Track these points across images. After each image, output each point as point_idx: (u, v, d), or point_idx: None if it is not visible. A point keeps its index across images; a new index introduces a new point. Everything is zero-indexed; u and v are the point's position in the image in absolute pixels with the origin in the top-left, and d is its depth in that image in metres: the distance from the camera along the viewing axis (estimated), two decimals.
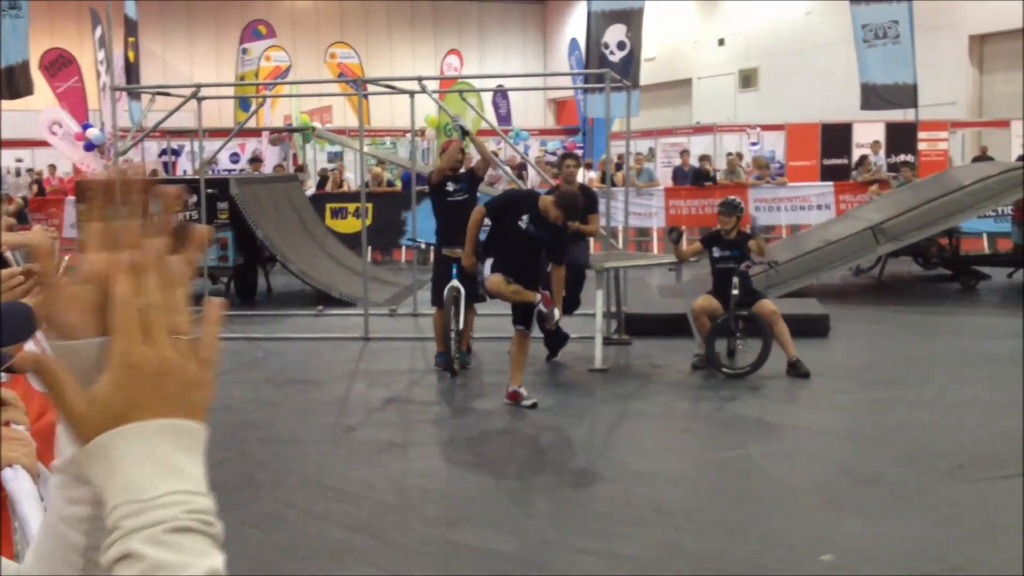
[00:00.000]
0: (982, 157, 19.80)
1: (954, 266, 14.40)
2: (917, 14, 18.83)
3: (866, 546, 4.80)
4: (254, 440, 6.89)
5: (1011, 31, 23.69)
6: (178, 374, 0.77)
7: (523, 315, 7.78)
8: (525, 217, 7.58)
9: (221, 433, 7.10)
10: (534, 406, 7.51)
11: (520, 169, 18.29)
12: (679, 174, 20.33)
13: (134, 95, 19.18)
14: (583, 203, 7.86)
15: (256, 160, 19.67)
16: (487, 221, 7.88)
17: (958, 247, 15.02)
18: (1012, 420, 6.97)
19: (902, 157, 19.19)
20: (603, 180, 12.70)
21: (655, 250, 18.57)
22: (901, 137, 20.44)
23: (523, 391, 7.64)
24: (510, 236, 7.61)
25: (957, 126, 22.80)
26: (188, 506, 0.74)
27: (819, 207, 18.07)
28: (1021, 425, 6.83)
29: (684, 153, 21.02)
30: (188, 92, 12.28)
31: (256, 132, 21.79)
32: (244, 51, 25.02)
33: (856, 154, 20.75)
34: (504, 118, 27.07)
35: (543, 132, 29.57)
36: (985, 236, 17.04)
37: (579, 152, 22.78)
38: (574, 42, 26.39)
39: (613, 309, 10.47)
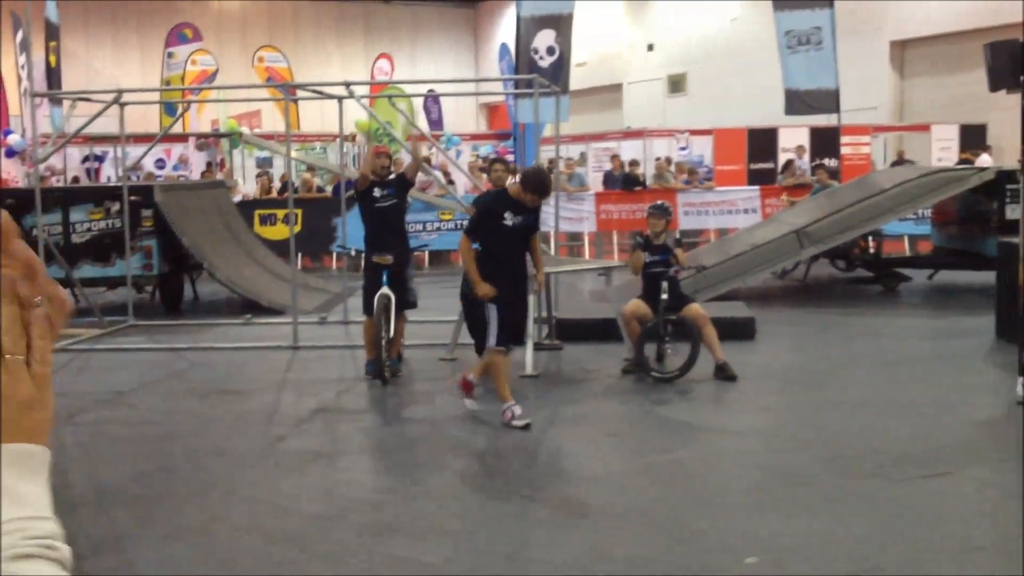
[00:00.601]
0: (900, 161, 20.22)
1: (876, 268, 14.70)
2: (839, 20, 19.22)
3: (791, 546, 4.86)
4: (178, 453, 6.77)
5: (931, 37, 24.27)
6: (9, 396, 0.75)
7: (514, 334, 7.52)
8: (507, 214, 7.34)
9: (143, 446, 6.98)
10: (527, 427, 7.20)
11: (449, 175, 18.25)
12: (610, 179, 20.46)
13: (55, 100, 18.78)
14: (548, 177, 7.65)
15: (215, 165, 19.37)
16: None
17: (880, 249, 15.35)
18: (933, 420, 7.13)
19: (827, 161, 19.52)
20: None
21: (586, 255, 18.67)
22: (825, 141, 20.81)
23: (517, 410, 7.24)
24: (503, 241, 7.33)
25: (879, 130, 23.27)
26: (28, 533, 0.73)
27: (746, 211, 18.31)
28: (942, 424, 7.00)
29: (615, 158, 21.16)
30: (110, 97, 12.04)
31: (183, 137, 21.46)
32: (170, 55, 24.66)
33: (782, 158, 21.08)
34: (436, 123, 27.00)
35: (475, 137, 29.50)
36: (906, 238, 17.44)
37: (511, 157, 22.82)
38: (504, 47, 26.42)
39: (544, 315, 10.50)
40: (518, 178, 7.64)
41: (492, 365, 7.36)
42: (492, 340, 7.28)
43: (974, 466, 6.07)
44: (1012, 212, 11.12)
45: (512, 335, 7.48)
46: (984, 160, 17.97)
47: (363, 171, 9.06)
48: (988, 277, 11.15)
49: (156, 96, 21.55)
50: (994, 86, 15.58)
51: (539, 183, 7.33)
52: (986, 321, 10.32)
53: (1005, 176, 11.93)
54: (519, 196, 7.31)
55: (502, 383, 7.33)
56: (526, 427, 7.07)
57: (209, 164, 21.30)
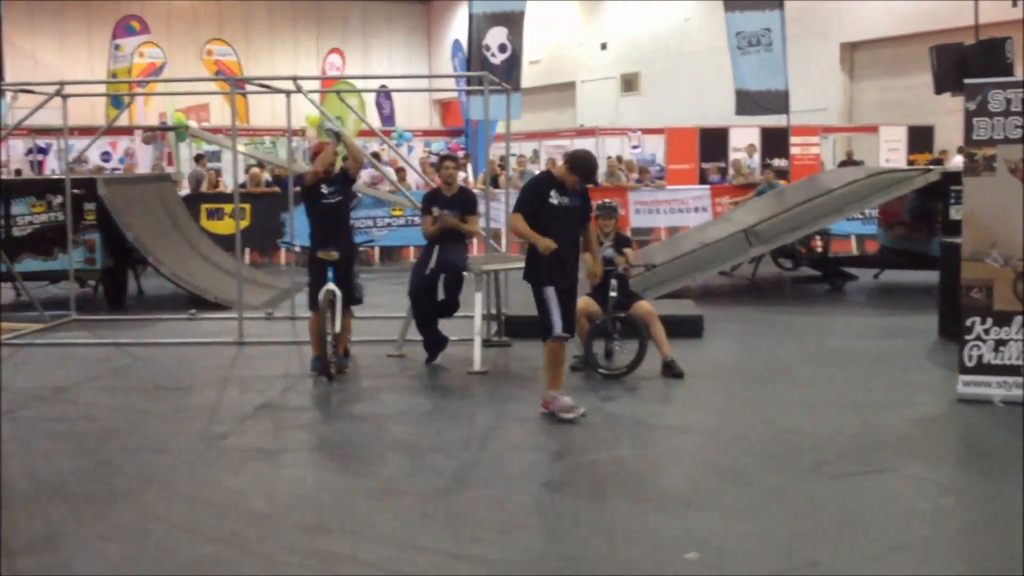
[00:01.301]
0: (848, 161, 20.46)
1: (823, 267, 14.85)
2: (789, 22, 19.38)
3: (731, 543, 4.87)
4: (117, 449, 6.65)
5: (880, 39, 24.60)
6: None
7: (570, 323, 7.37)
8: (553, 192, 7.25)
9: (81, 442, 6.85)
10: (583, 415, 7.18)
11: (399, 170, 18.16)
12: None
13: None
14: (594, 161, 7.55)
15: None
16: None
17: (827, 249, 15.51)
18: (873, 416, 7.20)
19: (776, 161, 19.70)
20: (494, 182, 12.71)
21: None
22: (775, 142, 21.01)
23: (568, 400, 7.21)
24: (552, 221, 7.20)
25: (828, 131, 23.55)
26: None
27: (696, 210, 18.42)
28: (882, 422, 7.07)
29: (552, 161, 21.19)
30: (52, 89, 11.82)
31: (129, 131, 21.16)
32: (116, 47, 24.30)
33: (733, 158, 21.25)
34: (388, 119, 26.91)
35: (427, 133, 29.45)
36: (853, 238, 17.64)
37: (463, 153, 22.77)
38: (457, 43, 26.39)
39: (493, 311, 10.47)
40: (564, 160, 7.53)
41: (550, 353, 7.28)
42: (558, 329, 7.20)
43: (912, 463, 6.13)
44: (956, 213, 11.27)
45: (572, 323, 7.42)
46: (957, 162, 18.23)
47: (316, 168, 8.96)
48: (932, 277, 11.30)
49: (102, 88, 21.23)
50: (939, 89, 15.89)
51: (584, 166, 7.28)
52: (929, 320, 10.45)
53: (950, 177, 12.09)
54: (564, 177, 7.26)
55: (558, 373, 7.30)
56: (582, 415, 7.09)
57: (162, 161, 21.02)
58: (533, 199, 7.29)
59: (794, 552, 4.76)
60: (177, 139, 20.88)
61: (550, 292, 7.22)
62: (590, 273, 7.75)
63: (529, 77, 25.45)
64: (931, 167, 13.91)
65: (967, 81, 7.66)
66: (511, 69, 18.63)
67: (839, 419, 7.18)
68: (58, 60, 30.82)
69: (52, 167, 20.93)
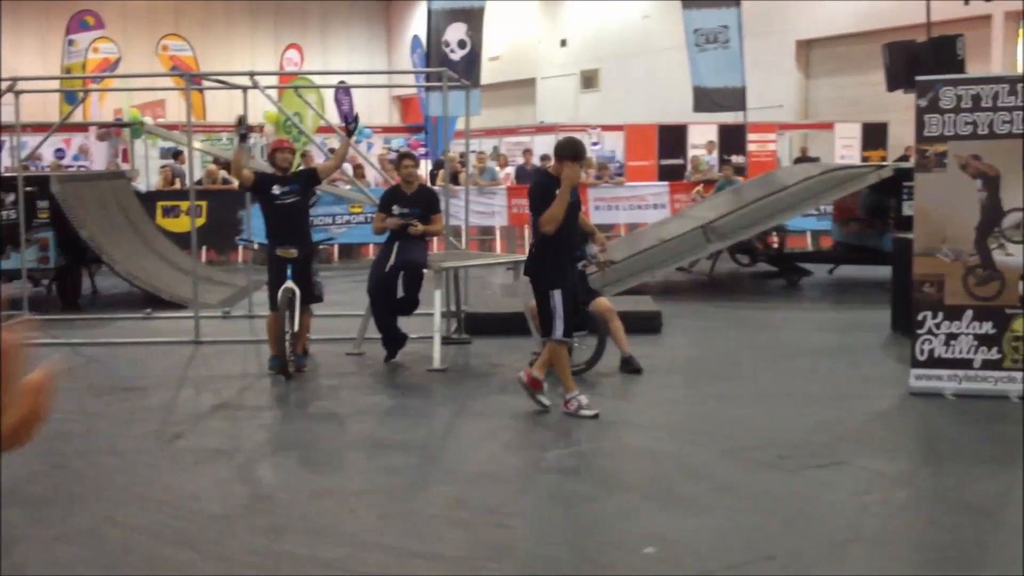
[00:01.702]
0: (803, 158, 20.64)
1: (778, 263, 14.99)
2: (746, 20, 19.55)
3: (688, 537, 4.92)
4: (71, 451, 6.57)
5: (834, 37, 24.84)
6: None
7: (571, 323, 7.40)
8: (558, 191, 7.23)
9: (35, 444, 6.70)
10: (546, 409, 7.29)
11: (357, 167, 18.09)
12: (521, 173, 20.50)
13: None
14: (579, 142, 7.53)
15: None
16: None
17: (783, 245, 15.66)
18: (828, 410, 7.29)
19: (734, 158, 19.85)
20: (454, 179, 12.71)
21: (498, 249, 18.67)
22: (733, 138, 21.17)
23: (583, 399, 7.25)
24: (565, 218, 7.26)
25: (784, 128, 23.74)
26: None
27: (655, 206, 18.50)
28: (837, 415, 7.16)
29: (527, 152, 21.20)
30: (4, 85, 11.65)
31: (83, 127, 20.90)
32: (70, 42, 23.98)
33: (691, 154, 21.38)
34: (347, 115, 26.74)
35: (387, 130, 29.35)
36: (809, 234, 17.83)
37: (423, 150, 22.72)
38: (416, 39, 26.28)
39: (453, 309, 10.47)
40: (553, 154, 7.55)
41: (554, 356, 7.29)
42: (559, 332, 7.23)
43: (866, 456, 6.21)
44: (908, 209, 11.41)
45: (572, 325, 7.44)
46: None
47: (234, 174, 8.91)
48: (885, 272, 11.45)
49: (55, 84, 20.96)
50: (891, 86, 16.08)
51: (572, 147, 7.27)
52: (883, 315, 10.59)
53: (903, 174, 12.24)
54: (558, 171, 7.26)
55: (566, 374, 7.32)
56: (595, 416, 7.09)
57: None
58: (547, 198, 7.26)
59: (751, 546, 4.81)
60: (132, 136, 20.64)
61: (557, 296, 7.21)
62: (603, 251, 8.34)
63: (489, 73, 25.46)
64: (884, 163, 14.08)
65: (919, 78, 7.76)
66: (470, 65, 18.63)
67: (795, 413, 7.26)
68: (10, 55, 30.34)
69: (4, 164, 20.61)
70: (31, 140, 16.43)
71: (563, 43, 32.37)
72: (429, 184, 14.48)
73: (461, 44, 19.07)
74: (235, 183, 17.49)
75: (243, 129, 8.95)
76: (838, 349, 9.65)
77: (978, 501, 5.38)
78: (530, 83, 33.52)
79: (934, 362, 7.56)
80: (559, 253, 7.31)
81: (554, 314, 7.24)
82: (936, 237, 7.55)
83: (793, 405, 7.52)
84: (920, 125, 7.53)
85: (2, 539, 4.99)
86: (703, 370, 9.01)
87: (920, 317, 7.59)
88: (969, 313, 7.48)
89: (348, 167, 17.44)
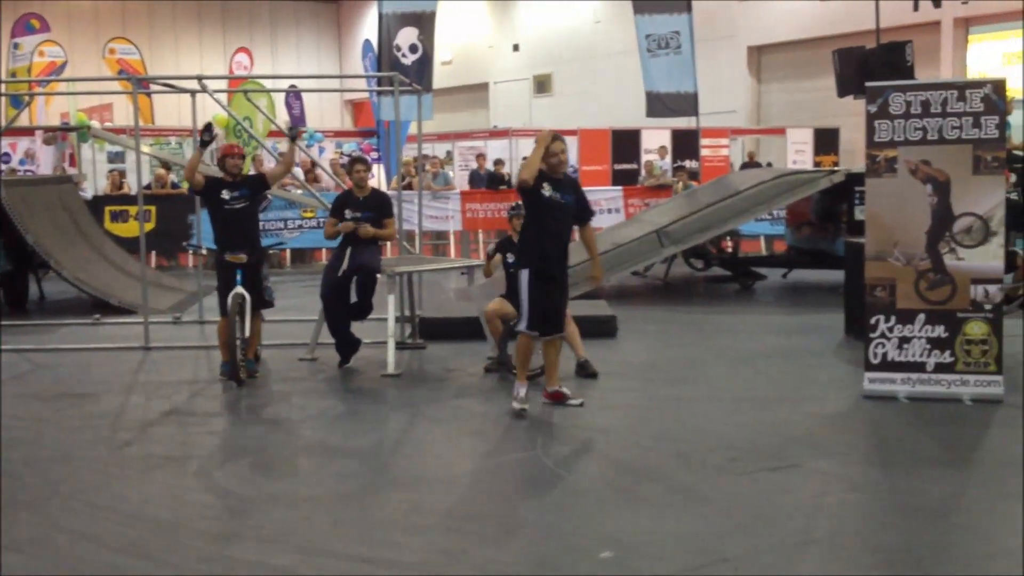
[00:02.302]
0: (751, 163, 20.78)
1: (733, 267, 15.08)
2: (698, 26, 19.65)
3: (643, 541, 4.90)
4: (17, 459, 6.43)
5: (784, 43, 25.10)
6: None
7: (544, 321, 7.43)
8: (546, 184, 7.33)
9: None
10: (581, 404, 7.46)
11: (309, 171, 17.94)
12: (475, 177, 20.47)
13: None
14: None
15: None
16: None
17: (737, 249, 15.77)
18: (782, 413, 7.33)
19: (688, 163, 19.97)
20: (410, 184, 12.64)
21: (452, 254, 18.61)
22: (686, 143, 21.28)
23: (566, 390, 7.57)
24: (546, 212, 7.36)
25: (737, 133, 23.93)
26: None
27: (609, 211, 18.56)
28: (791, 418, 7.19)
29: (480, 157, 21.17)
30: None
31: (30, 131, 20.54)
32: (15, 45, 23.58)
33: (644, 159, 21.47)
34: (298, 119, 26.56)
35: (339, 134, 29.15)
36: (762, 238, 17.97)
37: (375, 154, 22.61)
38: (367, 43, 26.16)
39: (407, 313, 10.41)
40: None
41: (520, 346, 7.47)
42: (522, 324, 7.40)
43: (820, 459, 6.24)
44: (860, 213, 11.52)
45: (548, 321, 7.45)
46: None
47: (187, 176, 8.81)
48: (838, 276, 11.55)
49: (0, 88, 20.58)
50: (842, 91, 16.24)
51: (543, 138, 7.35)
52: (836, 318, 10.68)
53: (854, 179, 12.36)
54: (545, 171, 7.36)
55: (521, 366, 7.47)
56: (521, 411, 7.27)
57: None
58: (529, 196, 7.42)
59: (706, 548, 4.80)
60: (79, 140, 20.32)
61: (523, 276, 7.38)
62: (592, 277, 8.06)
63: (441, 78, 25.39)
64: (836, 168, 14.22)
65: (868, 84, 7.83)
66: (422, 70, 18.53)
67: (749, 416, 7.29)
68: None
69: None
70: None
71: (515, 47, 32.40)
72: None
73: (413, 48, 18.98)
74: (184, 187, 17.36)
75: (208, 136, 8.87)
76: (792, 352, 9.71)
77: (931, 503, 5.42)
78: (483, 87, 33.51)
79: (887, 365, 7.62)
80: (539, 239, 7.42)
81: (522, 300, 7.40)
82: (887, 241, 7.62)
83: (747, 408, 7.54)
84: (871, 130, 7.60)
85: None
86: (658, 374, 9.02)
87: (873, 321, 7.65)
88: (921, 317, 7.55)
89: (299, 171, 17.31)
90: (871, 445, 6.91)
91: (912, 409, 7.37)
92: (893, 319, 7.61)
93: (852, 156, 21.90)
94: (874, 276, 7.68)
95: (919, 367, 7.57)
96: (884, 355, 7.63)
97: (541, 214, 7.43)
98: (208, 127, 8.94)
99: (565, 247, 7.63)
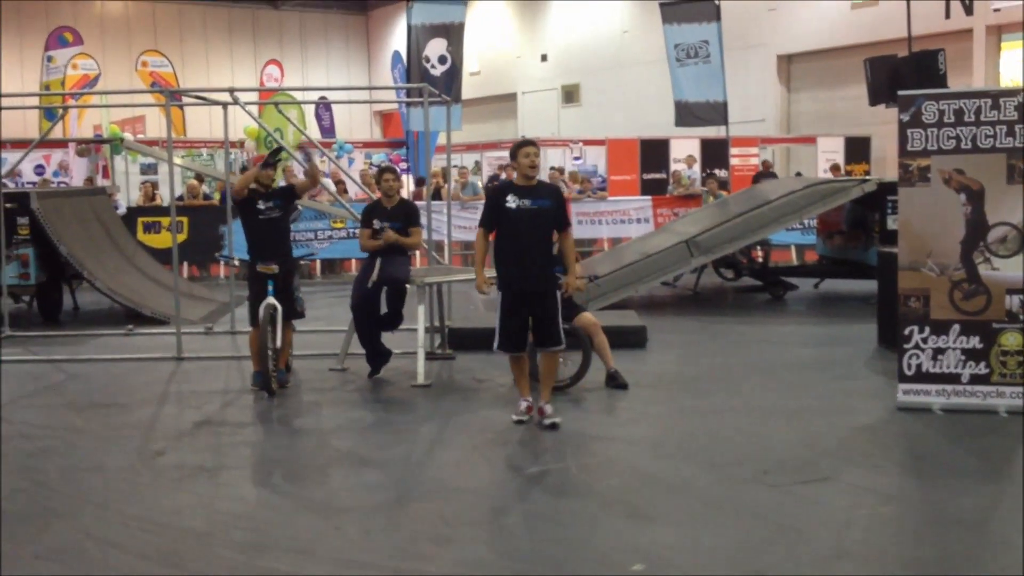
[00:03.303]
0: (765, 174, 20.56)
1: (763, 277, 15.00)
2: (727, 35, 19.60)
3: (675, 554, 4.88)
4: (52, 468, 6.49)
5: (815, 51, 24.96)
6: None
7: (541, 334, 7.39)
8: (511, 197, 7.21)
9: (15, 461, 6.68)
10: (553, 426, 7.27)
11: (339, 182, 18.02)
12: None
13: None
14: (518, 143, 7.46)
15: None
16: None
17: (768, 259, 15.68)
18: (814, 425, 7.27)
19: (718, 172, 19.88)
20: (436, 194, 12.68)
21: None
22: (715, 153, 21.21)
23: (549, 408, 7.43)
24: (510, 225, 7.22)
25: (767, 142, 23.80)
26: None
27: (638, 220, 18.52)
28: (823, 430, 7.13)
29: (508, 168, 21.17)
30: None
31: (63, 143, 20.78)
32: (49, 59, 23.85)
33: (673, 169, 21.41)
34: (328, 130, 26.71)
35: (368, 145, 29.28)
36: (793, 248, 17.86)
37: (404, 165, 22.68)
38: (396, 55, 26.28)
39: (436, 324, 10.42)
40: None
41: (511, 363, 7.60)
42: (495, 343, 7.48)
43: (852, 471, 6.18)
44: (893, 223, 11.43)
45: (539, 335, 7.42)
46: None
47: (241, 183, 8.86)
48: (871, 286, 11.46)
49: (34, 101, 20.84)
50: (873, 100, 16.12)
51: (512, 150, 7.33)
52: (868, 328, 10.59)
53: (886, 188, 12.27)
54: (518, 181, 7.33)
55: (517, 380, 7.66)
56: (519, 422, 7.36)
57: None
58: (489, 208, 7.40)
59: (737, 562, 4.77)
60: (113, 152, 20.54)
61: (499, 299, 7.38)
62: (571, 286, 7.62)
63: (469, 88, 25.44)
64: (868, 178, 14.11)
65: (901, 93, 7.77)
66: (451, 80, 18.62)
67: (781, 428, 7.23)
68: None
69: None
70: (11, 156, 16.35)
71: (543, 58, 32.42)
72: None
73: (441, 59, 19.06)
74: (216, 199, 17.48)
75: (274, 160, 9.05)
76: (824, 363, 9.63)
77: (966, 516, 5.36)
78: (511, 98, 33.55)
79: (921, 377, 7.54)
80: (507, 255, 7.34)
81: (496, 320, 7.43)
82: (921, 251, 7.55)
83: (779, 420, 7.48)
84: (903, 139, 7.54)
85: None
86: (688, 385, 8.97)
87: (907, 331, 7.58)
88: (956, 327, 7.48)
89: (330, 182, 17.40)
90: (905, 457, 6.84)
91: (947, 421, 7.29)
92: (927, 330, 7.54)
93: (883, 165, 21.72)
94: (908, 286, 7.61)
95: (954, 378, 7.49)
96: (918, 366, 7.55)
97: (508, 227, 7.27)
98: (276, 151, 9.11)
99: (542, 256, 7.34)
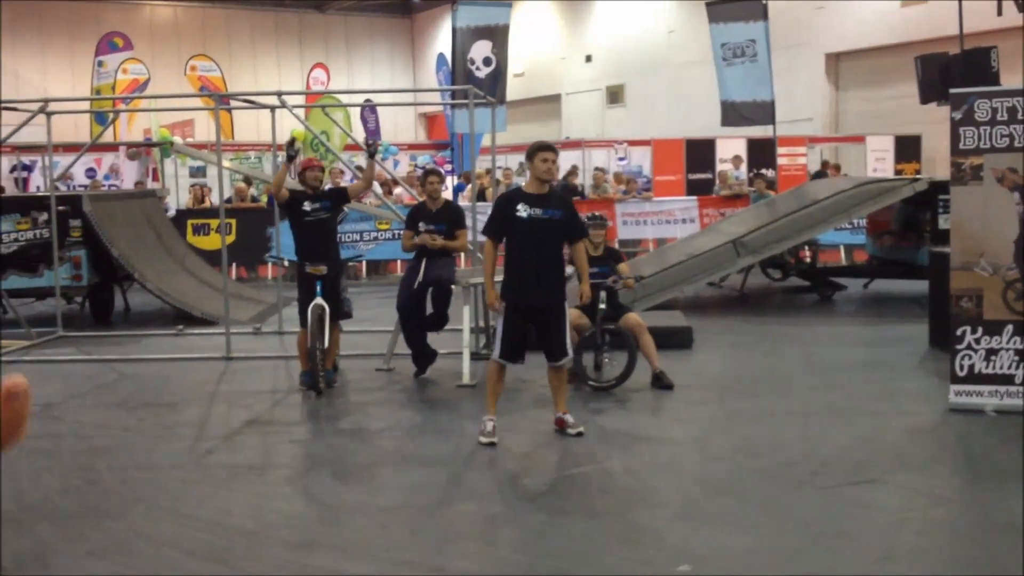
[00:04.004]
0: (822, 173, 20.35)
1: (812, 277, 14.85)
2: (774, 33, 19.43)
3: (722, 555, 4.84)
4: (103, 467, 6.59)
5: (864, 50, 24.66)
6: None
7: (548, 347, 7.12)
8: (521, 205, 6.96)
9: (68, 460, 6.79)
10: (580, 434, 7.07)
11: (387, 185, 18.12)
12: None
13: None
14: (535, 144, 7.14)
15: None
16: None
17: (816, 259, 15.52)
18: (864, 427, 7.18)
19: (766, 172, 19.72)
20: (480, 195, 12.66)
21: None
22: (762, 152, 21.04)
23: (569, 418, 7.15)
24: (519, 235, 6.95)
25: (815, 141, 23.57)
26: None
27: (684, 221, 18.43)
28: (873, 432, 7.05)
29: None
30: (35, 107, 11.77)
31: (113, 147, 21.09)
32: (100, 64, 24.21)
33: (719, 169, 21.28)
34: (373, 132, 26.85)
35: (413, 147, 29.43)
36: (842, 248, 17.68)
37: (449, 167, 22.75)
38: (441, 57, 26.38)
39: (481, 324, 10.44)
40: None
41: (488, 372, 7.23)
42: (495, 352, 7.13)
43: (903, 473, 6.10)
44: (944, 222, 11.27)
45: (546, 349, 7.12)
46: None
47: (274, 189, 8.96)
48: (921, 286, 11.30)
49: (85, 105, 21.19)
50: (924, 98, 15.90)
51: (528, 152, 7.06)
52: (919, 329, 10.45)
53: (938, 187, 12.11)
54: (530, 183, 7.10)
55: (489, 394, 7.16)
56: (490, 445, 6.86)
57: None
58: (497, 216, 7.10)
59: (785, 564, 4.73)
60: (162, 155, 20.82)
61: (503, 308, 7.05)
62: (582, 294, 7.38)
63: (514, 90, 25.49)
64: (919, 176, 13.93)
65: (952, 91, 7.67)
66: (496, 82, 18.65)
67: (829, 430, 7.16)
68: (40, 77, 30.69)
69: (37, 184, 20.83)
70: (63, 160, 16.64)
71: (588, 59, 32.33)
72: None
73: (486, 61, 19.11)
74: (263, 201, 17.65)
75: (292, 151, 9.15)
76: (874, 364, 9.52)
77: (1018, 519, 5.25)
78: (555, 99, 33.50)
79: (974, 378, 7.43)
80: (514, 267, 7.03)
81: (497, 328, 7.13)
82: (973, 251, 7.44)
83: (827, 421, 7.41)
84: (955, 138, 7.44)
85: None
86: (735, 386, 8.91)
87: (959, 332, 7.47)
88: (1009, 328, 7.35)
89: (377, 185, 17.49)
90: (957, 459, 6.75)
91: (999, 423, 7.17)
92: (980, 330, 7.42)
93: (934, 164, 21.41)
94: (960, 286, 7.50)
95: (1007, 379, 7.37)
96: (971, 367, 7.44)
97: (518, 237, 6.99)
98: (291, 142, 9.13)
99: (553, 269, 7.07)
